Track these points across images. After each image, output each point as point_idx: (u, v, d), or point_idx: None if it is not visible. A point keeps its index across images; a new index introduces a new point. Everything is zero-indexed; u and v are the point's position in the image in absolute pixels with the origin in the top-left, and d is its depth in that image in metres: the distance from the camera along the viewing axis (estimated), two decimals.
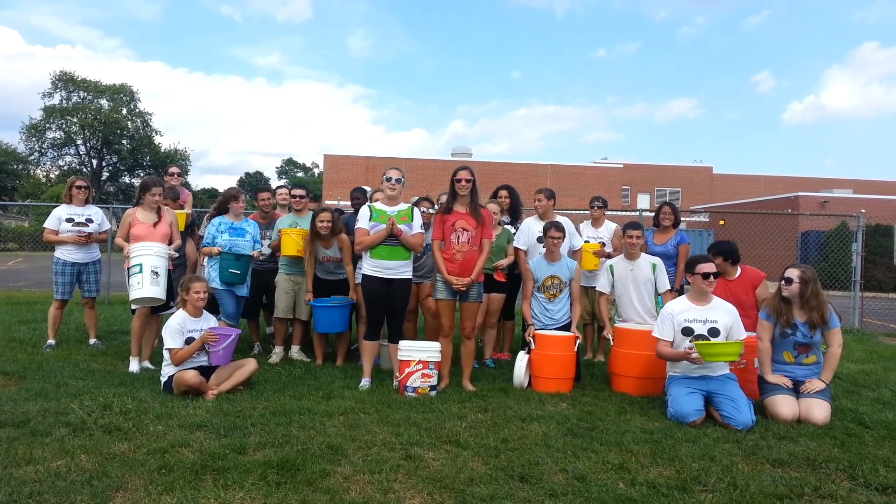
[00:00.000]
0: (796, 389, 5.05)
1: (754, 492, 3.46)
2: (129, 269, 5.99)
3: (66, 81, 51.11)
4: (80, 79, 51.40)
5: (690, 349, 4.91)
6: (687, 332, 5.08)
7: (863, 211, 11.85)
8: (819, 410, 4.82)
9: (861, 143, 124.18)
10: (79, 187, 7.28)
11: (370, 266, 5.66)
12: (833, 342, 5.12)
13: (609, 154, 55.06)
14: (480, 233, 5.70)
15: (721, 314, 5.10)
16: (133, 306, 6.17)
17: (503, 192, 7.30)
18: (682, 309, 5.19)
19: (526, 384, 5.79)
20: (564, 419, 4.78)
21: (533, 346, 5.85)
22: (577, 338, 5.93)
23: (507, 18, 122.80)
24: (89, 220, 7.20)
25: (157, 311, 6.27)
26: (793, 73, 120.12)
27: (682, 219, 33.36)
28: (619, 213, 24.34)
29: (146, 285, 5.87)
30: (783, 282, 5.17)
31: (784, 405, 4.89)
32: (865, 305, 11.87)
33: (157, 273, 5.92)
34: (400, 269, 5.67)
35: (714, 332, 5.05)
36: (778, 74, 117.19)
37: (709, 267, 5.13)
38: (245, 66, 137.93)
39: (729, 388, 4.89)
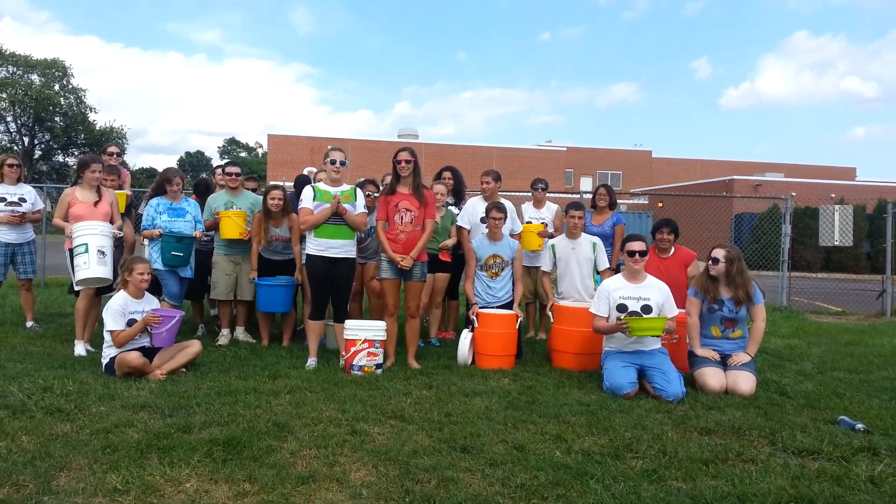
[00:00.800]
0: (724, 362, 5.33)
1: (682, 457, 3.67)
2: (72, 249, 5.87)
3: None
4: (8, 53, 49.09)
5: (620, 321, 5.14)
6: (621, 308, 5.30)
7: (793, 194, 12.41)
8: (745, 382, 5.11)
9: (793, 128, 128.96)
10: (10, 165, 7.07)
11: (314, 246, 5.69)
12: (757, 317, 5.43)
13: (553, 137, 55.85)
14: (423, 213, 5.79)
15: (654, 292, 5.33)
16: (77, 287, 6.04)
17: (447, 174, 7.40)
18: (617, 286, 5.40)
19: (470, 361, 5.94)
20: (506, 394, 4.94)
21: (476, 325, 5.99)
22: (519, 316, 6.10)
23: None
24: (22, 200, 7.01)
25: (101, 293, 6.16)
26: (729, 59, 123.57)
27: (623, 201, 34.12)
28: (562, 195, 24.75)
29: (93, 265, 5.77)
30: (710, 261, 5.45)
31: (712, 377, 5.16)
32: (794, 285, 12.45)
33: (103, 252, 5.82)
34: (344, 248, 5.72)
35: (647, 308, 5.27)
36: (715, 61, 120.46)
37: (636, 245, 5.34)
38: (184, 41, 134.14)
39: (661, 362, 5.13)
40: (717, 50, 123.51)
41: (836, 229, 12.65)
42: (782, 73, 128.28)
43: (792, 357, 6.84)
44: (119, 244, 6.55)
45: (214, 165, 8.00)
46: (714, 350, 5.42)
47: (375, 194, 6.65)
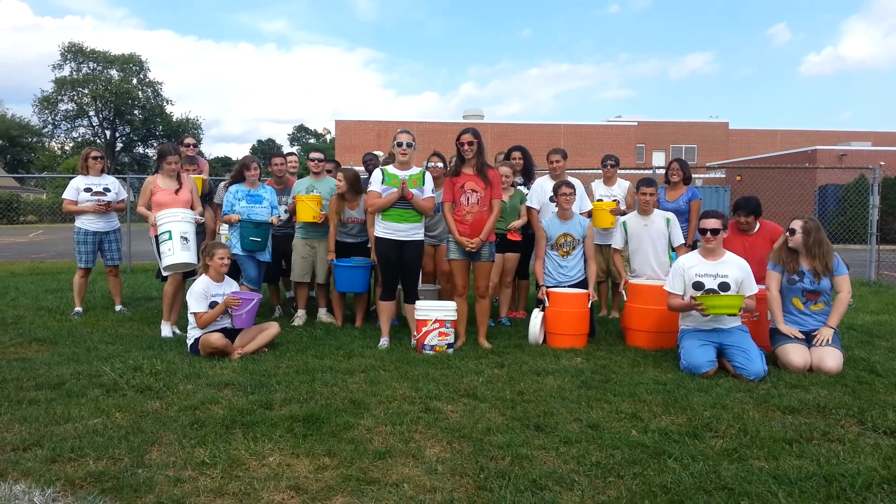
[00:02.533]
0: (808, 340, 5.13)
1: (764, 437, 3.57)
2: (157, 236, 6.13)
3: (75, 53, 51.16)
4: (89, 50, 51.39)
5: (694, 299, 5.00)
6: (698, 286, 5.15)
7: (881, 163, 11.80)
8: (831, 358, 4.91)
9: (880, 94, 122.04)
10: (94, 158, 7.41)
11: (382, 228, 5.76)
12: (842, 288, 5.21)
13: (623, 112, 54.44)
14: (490, 193, 5.77)
15: (732, 269, 5.17)
16: (164, 273, 6.31)
17: (516, 154, 7.34)
18: (693, 263, 5.26)
19: (541, 341, 5.92)
20: (579, 373, 4.90)
21: (547, 304, 5.95)
22: (592, 297, 6.02)
23: None
24: (107, 190, 7.34)
25: (188, 277, 6.41)
26: (810, 24, 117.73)
27: (699, 175, 33.12)
28: (633, 171, 24.21)
29: (178, 251, 6.01)
30: (788, 232, 5.24)
31: (795, 354, 4.98)
32: (883, 258, 11.86)
33: (186, 238, 6.06)
34: (411, 231, 5.77)
35: (724, 286, 5.12)
36: (794, 27, 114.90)
37: (711, 223, 5.16)
38: (253, 32, 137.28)
39: (741, 340, 4.98)
40: (797, 14, 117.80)
41: None
42: (868, 35, 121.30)
43: (882, 333, 6.53)
44: (201, 230, 6.80)
45: (286, 153, 8.16)
46: (797, 325, 5.22)
47: (439, 164, 6.69)
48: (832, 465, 3.19)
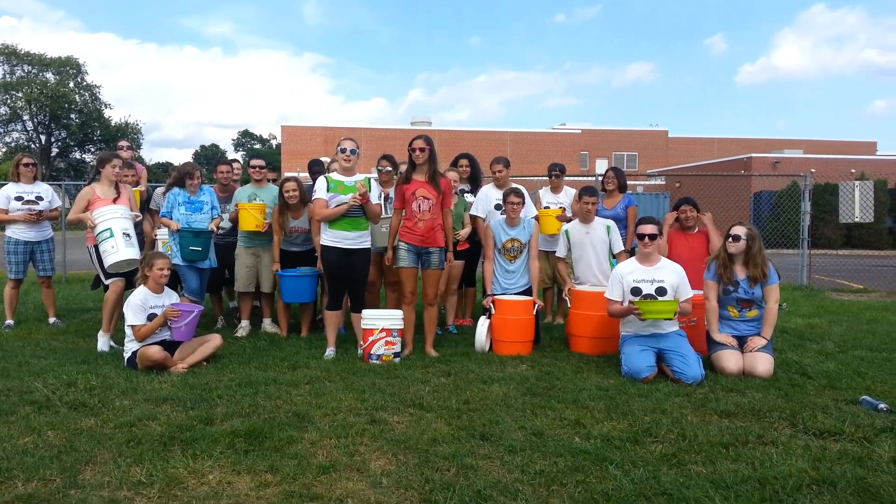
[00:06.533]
0: (742, 346, 5.30)
1: (702, 441, 3.66)
2: (95, 246, 5.92)
3: (8, 55, 49.21)
4: (23, 52, 49.55)
5: (632, 304, 5.13)
6: (636, 291, 5.27)
7: (812, 171, 12.28)
8: (762, 363, 5.07)
9: (812, 104, 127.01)
10: (26, 165, 7.15)
11: (329, 237, 5.70)
12: (770, 298, 5.38)
13: (568, 119, 55.37)
14: (441, 200, 5.79)
15: (668, 274, 5.30)
16: (109, 272, 6.03)
17: (463, 161, 7.39)
18: (630, 270, 5.38)
19: (487, 348, 5.95)
20: (524, 380, 4.95)
21: (493, 311, 5.99)
22: (537, 304, 6.09)
23: None
24: (39, 198, 7.09)
25: (130, 285, 6.17)
26: (745, 35, 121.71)
27: (640, 182, 33.86)
28: (577, 178, 24.60)
29: (122, 248, 5.79)
30: (730, 238, 5.39)
31: (729, 360, 5.14)
32: (815, 263, 12.33)
33: (128, 235, 5.87)
34: (359, 239, 5.73)
35: (661, 290, 5.24)
36: (730, 37, 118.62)
37: (647, 228, 5.30)
38: (198, 36, 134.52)
39: (679, 345, 5.11)
40: (733, 26, 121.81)
41: (857, 205, 12.46)
42: (799, 47, 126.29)
43: (813, 336, 6.78)
44: (140, 239, 6.60)
45: (230, 158, 8.02)
46: (731, 331, 5.40)
47: (388, 168, 6.67)
48: (766, 467, 3.29)
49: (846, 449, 3.56)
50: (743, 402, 4.38)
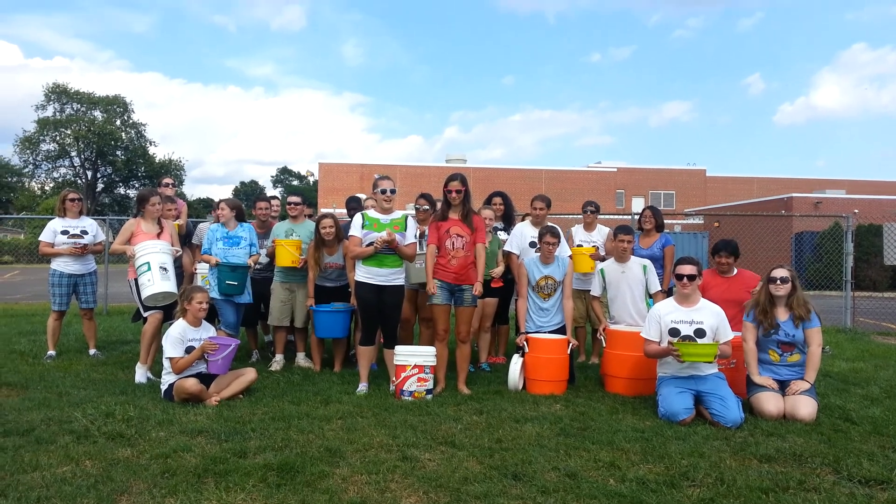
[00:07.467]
0: (783, 390, 5.16)
1: (741, 486, 3.56)
2: (135, 279, 6.07)
3: (59, 93, 51.21)
4: (72, 91, 51.52)
5: (671, 345, 5.03)
6: (674, 332, 5.19)
7: (855, 211, 12.07)
8: (804, 407, 4.93)
9: (853, 143, 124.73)
10: (72, 200, 7.39)
11: (362, 273, 5.76)
12: (812, 341, 5.24)
13: (604, 158, 55.29)
14: (474, 238, 5.83)
15: (707, 315, 5.22)
16: (146, 304, 6.18)
17: (497, 199, 7.42)
18: (668, 310, 5.31)
19: (521, 387, 5.90)
20: (558, 420, 4.88)
21: (527, 350, 5.95)
22: (571, 342, 6.04)
23: (498, 24, 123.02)
24: (84, 232, 7.31)
25: (168, 318, 6.30)
26: (783, 75, 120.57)
27: (677, 221, 33.51)
28: (613, 216, 24.50)
29: (157, 281, 5.94)
30: (778, 281, 5.28)
31: (769, 402, 5.01)
32: (859, 305, 12.01)
33: (165, 269, 6.01)
34: (391, 276, 5.77)
35: (700, 332, 5.16)
36: (769, 76, 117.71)
37: (686, 269, 5.24)
38: (241, 76, 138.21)
39: (718, 387, 5.00)
40: (771, 65, 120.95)
41: None
42: (840, 86, 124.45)
43: (857, 381, 6.58)
44: (179, 272, 6.74)
45: (269, 195, 8.18)
46: (772, 375, 5.26)
47: (426, 207, 6.74)
48: None
49: (894, 498, 3.42)
50: (784, 447, 4.25)
